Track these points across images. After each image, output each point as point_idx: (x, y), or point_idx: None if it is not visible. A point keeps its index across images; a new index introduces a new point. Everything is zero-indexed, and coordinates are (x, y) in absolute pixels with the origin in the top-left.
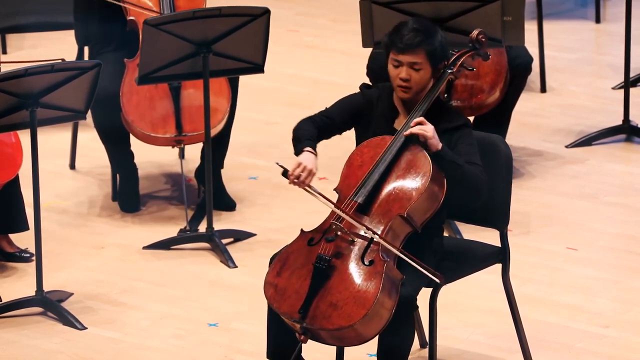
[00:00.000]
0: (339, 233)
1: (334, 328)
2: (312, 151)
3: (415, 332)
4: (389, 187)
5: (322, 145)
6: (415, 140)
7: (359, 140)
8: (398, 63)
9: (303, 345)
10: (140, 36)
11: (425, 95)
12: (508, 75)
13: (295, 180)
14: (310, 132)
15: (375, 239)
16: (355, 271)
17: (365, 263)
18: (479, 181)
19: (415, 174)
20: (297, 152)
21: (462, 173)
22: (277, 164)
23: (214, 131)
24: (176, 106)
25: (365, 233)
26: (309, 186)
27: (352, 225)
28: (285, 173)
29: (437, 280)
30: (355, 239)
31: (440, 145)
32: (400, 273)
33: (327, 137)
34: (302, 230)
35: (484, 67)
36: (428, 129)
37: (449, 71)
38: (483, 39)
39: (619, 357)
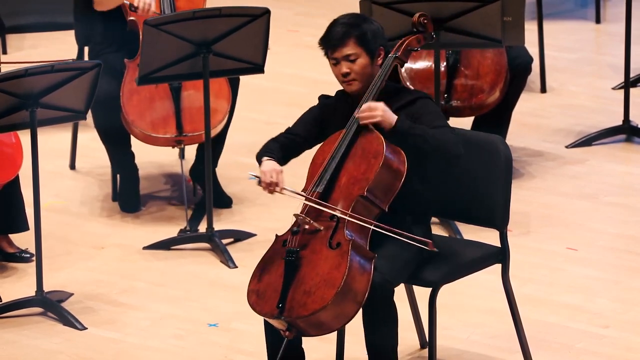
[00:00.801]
0: (306, 226)
1: (308, 314)
2: (269, 158)
3: (397, 319)
4: (347, 173)
5: (304, 155)
6: (369, 126)
7: None
8: (335, 61)
9: (302, 346)
10: (141, 36)
11: (372, 83)
12: (508, 75)
13: (270, 187)
14: (268, 148)
15: (339, 216)
16: (324, 256)
17: (333, 247)
18: (445, 139)
19: (370, 155)
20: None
21: (424, 139)
22: (251, 174)
23: (214, 131)
24: (176, 106)
25: (331, 219)
26: (285, 188)
27: (316, 214)
28: (260, 182)
29: (425, 247)
30: (322, 227)
31: (393, 121)
32: (371, 252)
33: (296, 153)
34: (276, 235)
35: (483, 67)
36: (375, 113)
37: (394, 56)
38: (425, 21)
39: (619, 357)
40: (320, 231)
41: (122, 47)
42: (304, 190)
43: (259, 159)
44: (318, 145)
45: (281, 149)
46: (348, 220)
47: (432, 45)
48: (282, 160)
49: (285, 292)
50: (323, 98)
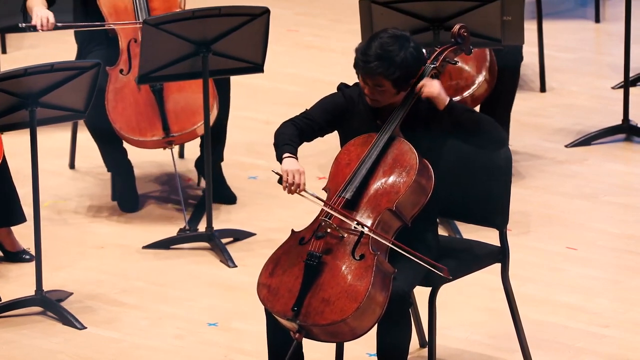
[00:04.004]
0: (328, 230)
1: (326, 323)
2: (292, 156)
3: (412, 328)
4: (376, 182)
5: (322, 145)
6: (406, 124)
7: (343, 139)
8: (364, 81)
9: (303, 344)
10: (121, 43)
11: (406, 96)
12: (495, 65)
13: (292, 188)
14: (289, 136)
15: (365, 232)
16: (346, 266)
17: (356, 258)
18: (493, 122)
19: (402, 168)
20: (278, 158)
21: (477, 117)
22: (274, 171)
23: (200, 130)
24: (161, 108)
25: (355, 228)
26: (306, 191)
27: (341, 221)
28: (280, 180)
29: (440, 273)
30: (345, 235)
31: (447, 100)
32: (391, 267)
33: (309, 139)
34: (292, 230)
35: (466, 62)
36: (434, 89)
37: (432, 66)
38: (465, 34)
39: (619, 357)
40: (344, 238)
41: (109, 45)
42: (325, 189)
43: (279, 148)
44: (326, 137)
45: (299, 135)
46: (373, 234)
47: (432, 45)
48: (297, 143)
49: (303, 296)
50: (344, 87)
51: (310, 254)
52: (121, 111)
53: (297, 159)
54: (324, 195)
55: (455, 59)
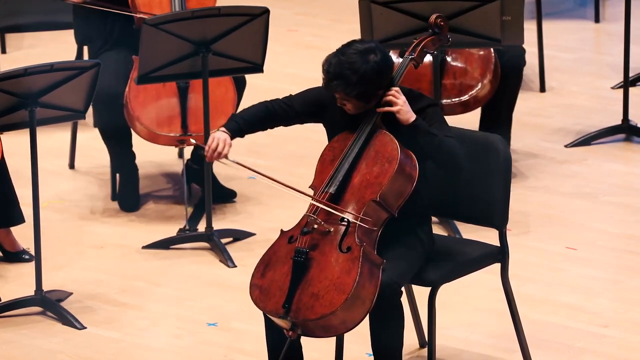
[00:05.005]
0: (315, 226)
1: (316, 317)
2: (226, 131)
3: (404, 319)
4: (359, 175)
5: (315, 145)
6: (388, 116)
7: (329, 134)
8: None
9: (302, 344)
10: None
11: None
12: (498, 67)
13: (214, 154)
14: (247, 116)
15: (352, 220)
16: (334, 259)
17: (343, 250)
18: (456, 150)
19: (384, 159)
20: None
21: (439, 142)
22: (193, 141)
23: None
24: (183, 106)
25: (341, 221)
26: (227, 157)
27: (327, 215)
28: (201, 149)
29: (365, 225)
30: (332, 229)
31: (413, 118)
32: (380, 258)
33: (286, 124)
34: (282, 230)
35: (471, 63)
36: (400, 102)
37: (410, 57)
38: (442, 23)
39: (618, 357)
40: (330, 233)
41: (119, 44)
42: (311, 186)
43: (228, 120)
44: (312, 134)
45: (265, 118)
46: (359, 224)
47: None
48: (258, 128)
49: (292, 293)
50: None
51: (298, 250)
52: (142, 100)
53: (231, 135)
54: (309, 192)
55: (435, 49)
